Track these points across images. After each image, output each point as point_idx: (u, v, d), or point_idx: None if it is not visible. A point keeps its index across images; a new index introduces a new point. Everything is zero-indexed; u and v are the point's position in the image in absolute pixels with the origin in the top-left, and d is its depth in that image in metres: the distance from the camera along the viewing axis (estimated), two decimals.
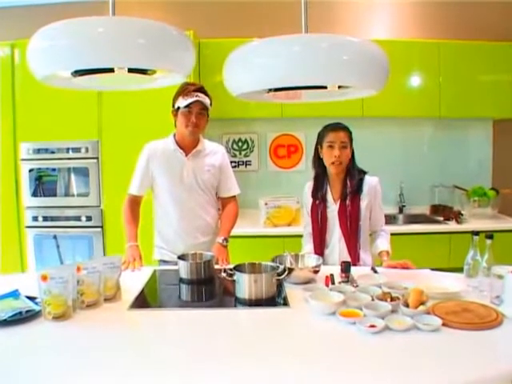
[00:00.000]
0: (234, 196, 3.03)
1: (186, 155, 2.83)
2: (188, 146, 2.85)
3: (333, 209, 2.74)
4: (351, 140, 2.70)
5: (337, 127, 2.70)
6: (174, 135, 2.88)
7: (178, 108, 2.75)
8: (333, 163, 2.67)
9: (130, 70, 1.83)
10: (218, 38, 4.02)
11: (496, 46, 4.14)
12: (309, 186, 2.86)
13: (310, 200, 2.81)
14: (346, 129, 2.70)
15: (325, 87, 1.95)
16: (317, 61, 1.79)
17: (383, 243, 2.73)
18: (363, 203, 2.70)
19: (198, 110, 2.74)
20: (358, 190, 2.70)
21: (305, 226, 2.92)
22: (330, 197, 2.76)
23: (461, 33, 4.27)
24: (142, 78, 1.98)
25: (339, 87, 2.03)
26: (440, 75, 4.14)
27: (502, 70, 4.16)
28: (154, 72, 1.93)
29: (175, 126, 2.86)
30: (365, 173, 2.76)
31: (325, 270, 2.38)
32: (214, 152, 2.94)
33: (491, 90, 4.16)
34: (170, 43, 1.81)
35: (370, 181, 2.74)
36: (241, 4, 4.33)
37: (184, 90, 2.72)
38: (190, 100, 2.69)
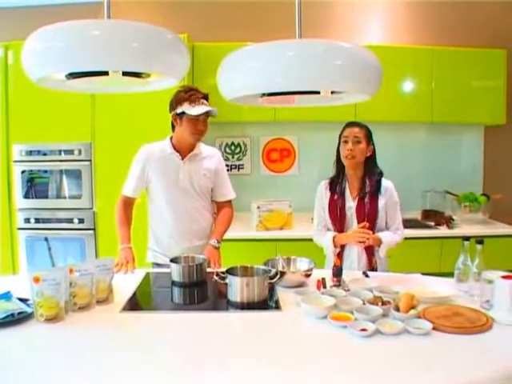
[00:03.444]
0: (230, 200, 3.03)
1: (183, 159, 2.83)
2: (185, 150, 2.84)
3: (351, 206, 2.74)
4: (368, 138, 2.71)
5: (352, 123, 2.76)
6: (171, 138, 2.86)
7: (182, 113, 2.71)
8: (346, 157, 2.69)
9: (125, 73, 1.84)
10: (212, 41, 4.02)
11: (488, 53, 4.18)
12: (324, 183, 2.86)
13: (327, 195, 2.81)
14: (361, 125, 2.73)
15: (318, 92, 1.96)
16: (310, 66, 1.81)
17: (383, 233, 2.70)
18: (381, 203, 2.71)
19: (204, 117, 2.73)
20: (377, 189, 2.71)
21: (317, 225, 2.86)
22: (347, 194, 2.77)
23: (453, 39, 4.31)
24: (136, 81, 1.99)
25: (332, 92, 2.05)
26: (432, 81, 4.17)
27: (494, 76, 4.20)
28: (148, 75, 1.94)
29: (172, 130, 2.84)
30: (382, 174, 2.77)
31: (317, 274, 2.39)
32: (210, 156, 2.93)
33: (483, 97, 4.19)
34: (164, 47, 1.82)
35: (386, 183, 2.75)
36: (235, 8, 4.35)
37: (191, 96, 2.68)
38: (201, 110, 2.66)
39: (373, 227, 2.68)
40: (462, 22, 4.42)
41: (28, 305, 1.97)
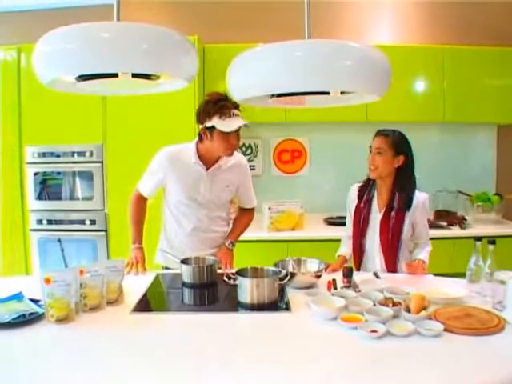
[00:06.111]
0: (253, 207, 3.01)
1: (207, 169, 2.71)
2: (210, 161, 2.71)
3: (376, 216, 2.66)
4: (397, 148, 2.62)
5: (378, 133, 2.66)
6: (197, 144, 2.70)
7: (213, 127, 2.52)
8: (369, 168, 2.63)
9: (134, 75, 1.84)
10: (223, 43, 4.03)
11: (500, 51, 4.14)
12: (355, 187, 2.79)
13: (355, 201, 2.74)
14: (387, 135, 2.63)
15: (327, 93, 1.96)
16: (319, 66, 1.81)
17: (421, 253, 2.66)
18: (408, 219, 2.61)
19: (237, 130, 2.56)
20: (405, 205, 2.61)
21: (346, 228, 2.85)
22: (375, 203, 2.69)
23: (464, 38, 4.27)
24: (146, 83, 1.99)
25: (342, 93, 2.04)
26: (444, 80, 4.14)
27: (506, 75, 4.16)
28: (157, 77, 1.94)
29: (200, 140, 2.66)
30: (415, 188, 2.66)
31: (327, 275, 2.39)
32: (236, 165, 2.80)
33: (495, 95, 4.15)
34: (173, 48, 1.82)
35: (418, 196, 2.64)
36: (245, 9, 4.34)
37: (221, 109, 2.48)
38: (234, 125, 2.50)
39: (398, 243, 2.62)
40: (473, 20, 4.38)
41: (39, 305, 1.98)
